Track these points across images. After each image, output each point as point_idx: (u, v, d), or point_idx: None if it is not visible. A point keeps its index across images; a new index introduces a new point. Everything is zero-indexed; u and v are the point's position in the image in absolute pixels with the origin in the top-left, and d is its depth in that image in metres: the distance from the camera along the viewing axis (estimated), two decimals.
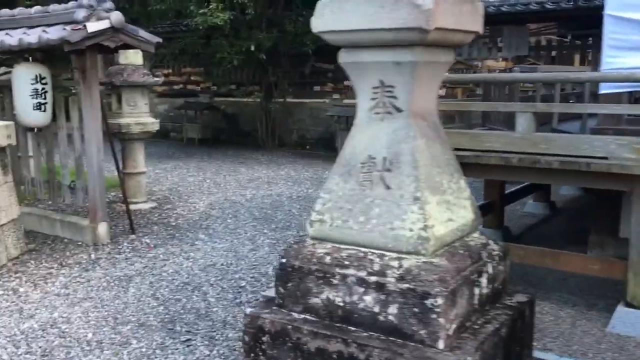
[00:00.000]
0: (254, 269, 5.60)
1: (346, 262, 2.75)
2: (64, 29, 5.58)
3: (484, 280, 2.82)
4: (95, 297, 4.92)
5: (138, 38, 6.02)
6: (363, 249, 2.78)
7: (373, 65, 2.79)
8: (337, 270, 2.74)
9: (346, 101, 14.02)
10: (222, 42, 12.28)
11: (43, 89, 6.15)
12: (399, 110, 2.77)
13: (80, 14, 5.63)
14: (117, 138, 7.47)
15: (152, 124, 7.87)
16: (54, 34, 5.60)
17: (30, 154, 7.20)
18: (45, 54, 6.29)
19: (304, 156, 13.27)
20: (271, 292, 4.48)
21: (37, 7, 6.25)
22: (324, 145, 14.34)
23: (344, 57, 2.88)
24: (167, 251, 6.16)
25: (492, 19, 12.52)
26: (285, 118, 14.62)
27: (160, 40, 6.29)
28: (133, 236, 6.63)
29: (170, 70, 17.31)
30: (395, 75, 2.74)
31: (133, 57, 7.68)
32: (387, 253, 2.71)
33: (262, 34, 12.42)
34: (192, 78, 17.06)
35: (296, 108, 14.70)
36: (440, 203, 2.76)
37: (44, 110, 6.26)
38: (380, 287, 2.60)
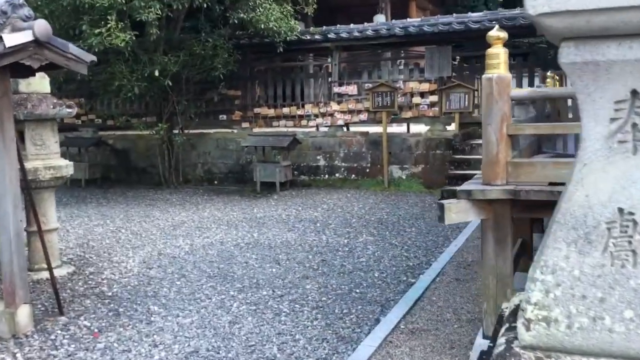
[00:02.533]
0: (254, 352, 4.26)
1: None
2: None
3: None
4: None
5: (68, 55, 4.50)
6: None
7: (624, 66, 1.76)
8: None
9: (257, 130, 12.91)
10: (121, 68, 10.61)
11: None
12: None
13: None
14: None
15: (66, 167, 6.20)
16: None
17: None
18: None
19: (218, 192, 11.88)
20: None
21: None
22: (235, 179, 13.05)
23: (569, 55, 1.81)
24: (120, 337, 4.60)
25: (414, 40, 12.10)
26: (189, 151, 13.12)
27: (95, 58, 4.80)
28: (64, 318, 4.97)
29: None
30: None
31: (38, 84, 6.01)
32: None
33: (166, 57, 10.94)
34: None
35: (200, 139, 13.27)
36: None
37: None
38: None
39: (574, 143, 3.66)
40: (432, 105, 11.64)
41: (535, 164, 3.37)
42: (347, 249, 7.04)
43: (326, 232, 7.93)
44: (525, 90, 3.55)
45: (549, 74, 9.07)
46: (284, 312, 5.09)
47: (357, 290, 5.53)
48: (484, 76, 3.43)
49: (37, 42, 4.21)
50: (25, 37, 4.11)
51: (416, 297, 4.93)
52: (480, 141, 10.48)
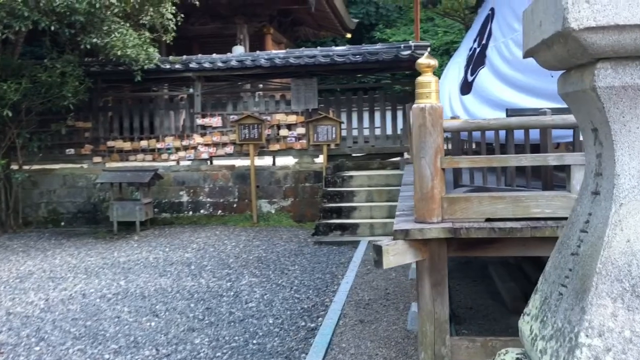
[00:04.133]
0: None
1: None
2: None
3: None
4: None
5: None
6: None
7: None
8: None
9: (111, 165, 11.84)
10: None
11: None
12: None
13: None
14: None
15: None
16: None
17: None
18: None
19: (67, 235, 10.63)
20: None
21: None
22: (85, 219, 11.83)
23: (606, 78, 1.56)
24: None
25: (279, 72, 11.90)
26: (29, 189, 11.67)
27: None
28: None
29: None
30: None
31: None
32: None
33: (4, 84, 9.63)
34: None
35: (44, 176, 11.87)
36: None
37: None
38: None
39: (495, 176, 3.55)
40: (299, 137, 11.47)
41: (471, 199, 3.16)
42: (231, 293, 6.46)
43: (204, 276, 7.27)
44: (458, 121, 3.36)
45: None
46: None
47: (254, 341, 5.00)
48: (415, 106, 3.19)
49: None
50: None
51: (325, 345, 4.53)
52: (352, 173, 10.52)
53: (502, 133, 4.02)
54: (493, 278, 5.97)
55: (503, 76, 5.53)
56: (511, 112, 3.70)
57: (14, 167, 11.13)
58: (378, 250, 3.03)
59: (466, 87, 6.66)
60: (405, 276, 6.48)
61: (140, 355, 4.78)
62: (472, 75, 6.54)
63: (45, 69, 10.15)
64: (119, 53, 10.00)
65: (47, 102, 10.56)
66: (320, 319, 5.42)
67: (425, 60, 3.17)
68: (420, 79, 3.18)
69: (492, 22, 6.37)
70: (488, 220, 3.15)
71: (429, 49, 10.95)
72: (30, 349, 4.97)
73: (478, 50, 6.59)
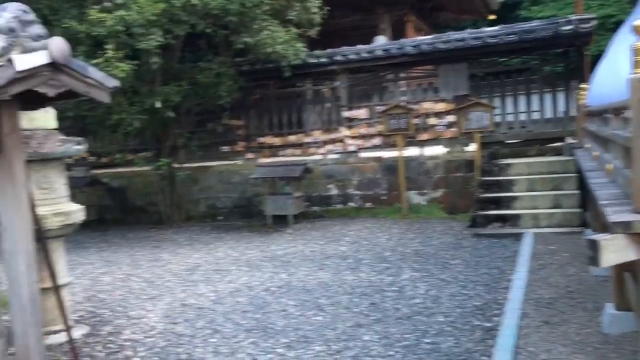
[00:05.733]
0: None
1: None
2: None
3: None
4: None
5: (88, 80, 3.74)
6: None
7: None
8: None
9: (263, 160, 12.16)
10: (119, 100, 9.83)
11: None
12: None
13: None
14: None
15: (77, 212, 5.38)
16: None
17: None
18: None
19: (225, 229, 11.07)
20: None
21: None
22: (240, 213, 12.26)
23: None
24: None
25: (426, 58, 11.51)
26: (190, 186, 12.31)
27: (118, 83, 4.04)
28: None
29: None
30: None
31: (43, 119, 5.22)
32: None
33: (167, 87, 10.21)
34: None
35: (202, 173, 12.47)
36: None
37: None
38: None
39: None
40: (449, 125, 11.02)
41: None
42: (394, 288, 6.26)
43: (362, 269, 7.15)
44: None
45: (582, 85, 8.51)
46: None
47: (427, 341, 4.75)
48: (634, 76, 2.74)
49: (53, 65, 3.45)
50: (39, 59, 3.35)
51: (510, 348, 4.16)
52: (508, 161, 9.87)
53: None
54: None
55: None
56: None
57: (176, 165, 11.79)
58: (594, 245, 2.64)
59: None
60: (587, 272, 5.88)
61: (311, 351, 4.72)
62: None
63: (202, 71, 10.61)
64: (269, 50, 10.21)
65: (203, 103, 11.07)
66: (495, 318, 5.05)
67: None
68: (639, 44, 2.74)
69: None
70: None
71: (594, 22, 9.98)
72: (207, 341, 5.11)
73: None
